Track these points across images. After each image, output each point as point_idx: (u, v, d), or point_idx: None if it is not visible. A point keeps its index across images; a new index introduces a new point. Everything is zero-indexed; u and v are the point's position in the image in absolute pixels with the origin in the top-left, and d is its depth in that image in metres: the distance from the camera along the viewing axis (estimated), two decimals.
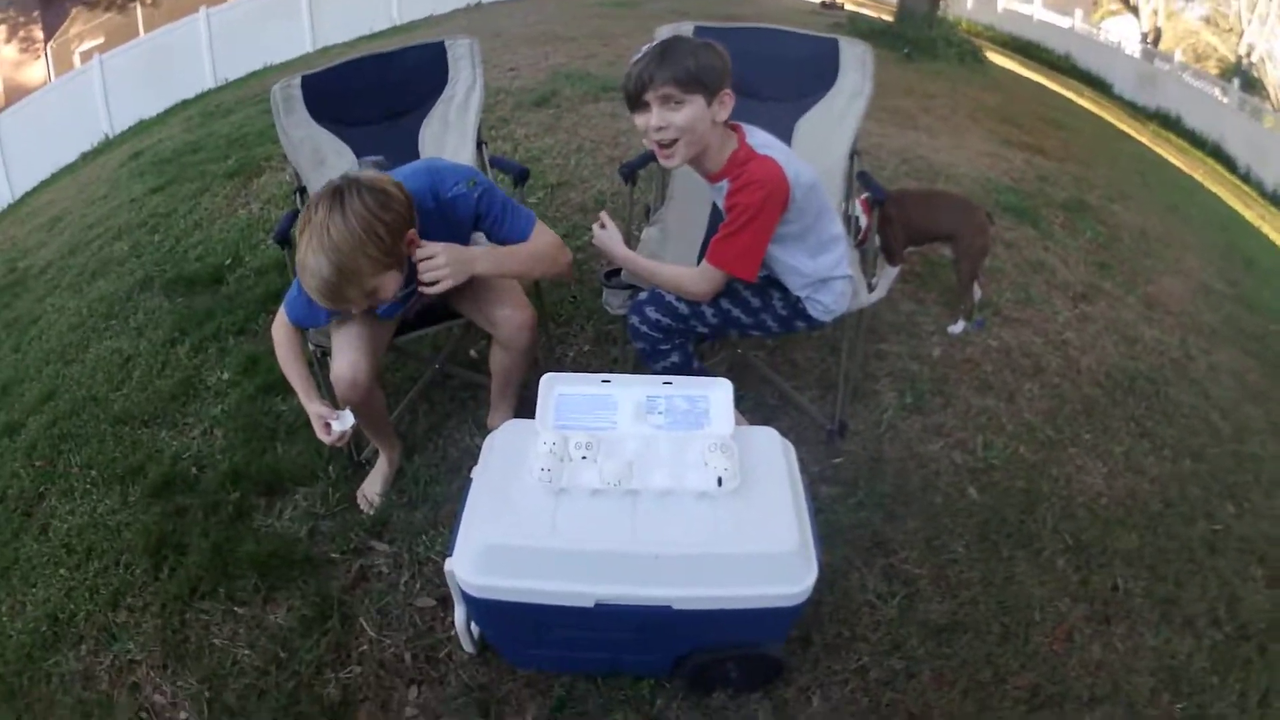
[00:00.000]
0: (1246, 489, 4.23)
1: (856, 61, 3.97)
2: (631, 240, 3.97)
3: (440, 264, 2.92)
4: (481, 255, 3.08)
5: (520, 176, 4.04)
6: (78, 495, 3.97)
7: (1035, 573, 3.44)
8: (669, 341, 3.29)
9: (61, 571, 3.57)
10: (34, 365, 5.34)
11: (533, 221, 3.25)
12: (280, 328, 3.22)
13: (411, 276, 3.05)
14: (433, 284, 2.94)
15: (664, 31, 4.02)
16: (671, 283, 3.22)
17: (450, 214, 3.06)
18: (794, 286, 3.29)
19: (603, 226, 3.32)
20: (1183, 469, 4.24)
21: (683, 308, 3.23)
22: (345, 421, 3.02)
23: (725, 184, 3.06)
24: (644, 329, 3.26)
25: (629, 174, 4.00)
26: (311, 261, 2.65)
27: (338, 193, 2.69)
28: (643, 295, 3.32)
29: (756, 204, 2.96)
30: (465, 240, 3.18)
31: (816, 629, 3.09)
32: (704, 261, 3.11)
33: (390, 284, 2.85)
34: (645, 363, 3.38)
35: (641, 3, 17.87)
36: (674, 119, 2.91)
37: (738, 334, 3.43)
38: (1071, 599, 3.36)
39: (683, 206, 4.16)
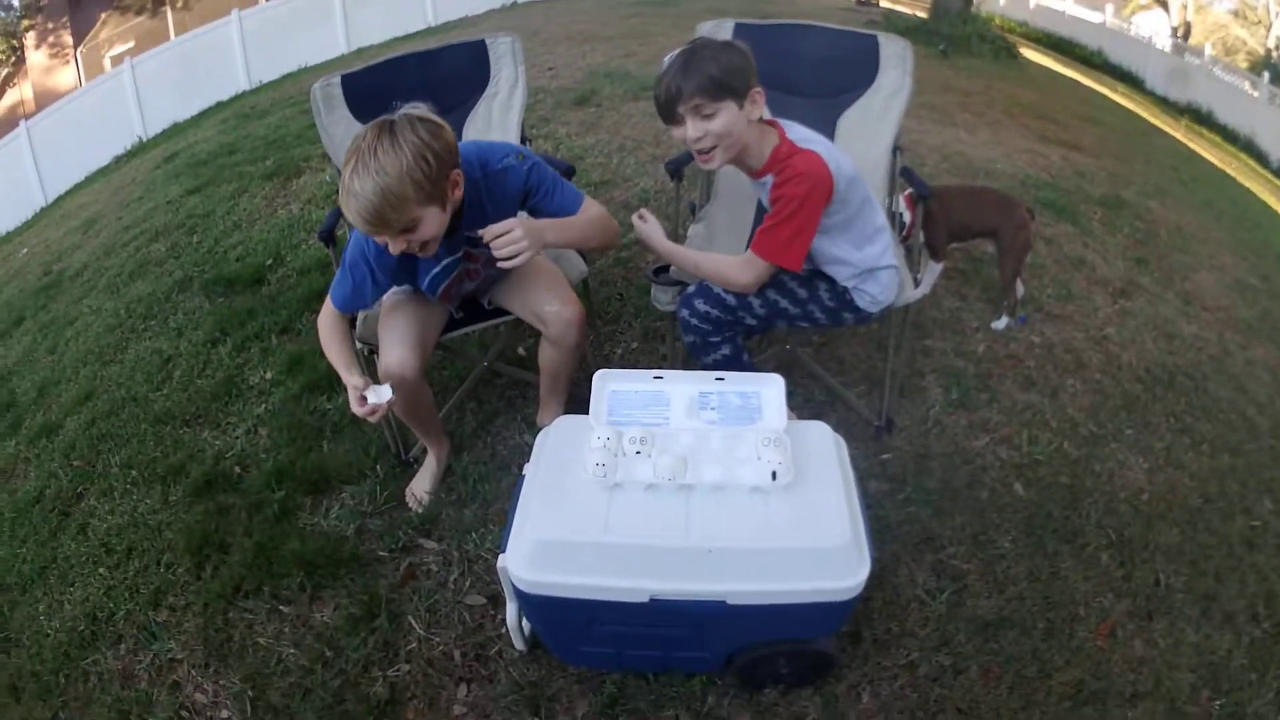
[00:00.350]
0: None
1: (896, 58, 3.95)
2: (678, 238, 3.98)
3: (518, 236, 2.91)
4: (548, 225, 3.09)
5: (566, 174, 3.98)
6: (117, 495, 4.01)
7: (1079, 568, 3.44)
8: (719, 334, 3.29)
9: (100, 570, 3.62)
10: (71, 366, 5.38)
11: (581, 195, 3.28)
12: (326, 314, 3.23)
13: (454, 241, 3.10)
14: (511, 257, 2.93)
15: (704, 29, 4.05)
16: (714, 272, 3.23)
17: (498, 187, 3.08)
18: (841, 277, 3.30)
19: (643, 219, 3.33)
20: (1221, 464, 4.23)
21: (730, 299, 3.24)
22: (381, 395, 2.98)
23: (769, 179, 3.07)
24: (694, 321, 3.26)
25: (675, 170, 4.01)
26: (356, 184, 2.66)
27: (388, 122, 2.73)
28: (691, 288, 3.33)
29: (801, 196, 2.99)
30: (511, 215, 3.16)
31: (866, 624, 3.10)
32: (748, 251, 3.12)
33: (432, 222, 2.84)
34: (695, 356, 3.38)
35: (678, 1, 17.88)
36: (709, 127, 2.94)
37: (785, 325, 3.42)
38: (1115, 594, 3.37)
39: (728, 203, 4.15)
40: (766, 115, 3.15)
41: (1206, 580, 3.52)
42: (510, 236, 2.91)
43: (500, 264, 2.97)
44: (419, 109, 2.82)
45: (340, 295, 3.17)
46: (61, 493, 4.14)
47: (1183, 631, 3.27)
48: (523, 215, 3.19)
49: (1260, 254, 8.53)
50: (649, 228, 3.31)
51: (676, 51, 2.99)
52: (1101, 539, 3.59)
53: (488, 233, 2.92)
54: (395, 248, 2.86)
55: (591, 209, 3.25)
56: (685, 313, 3.28)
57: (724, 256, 3.27)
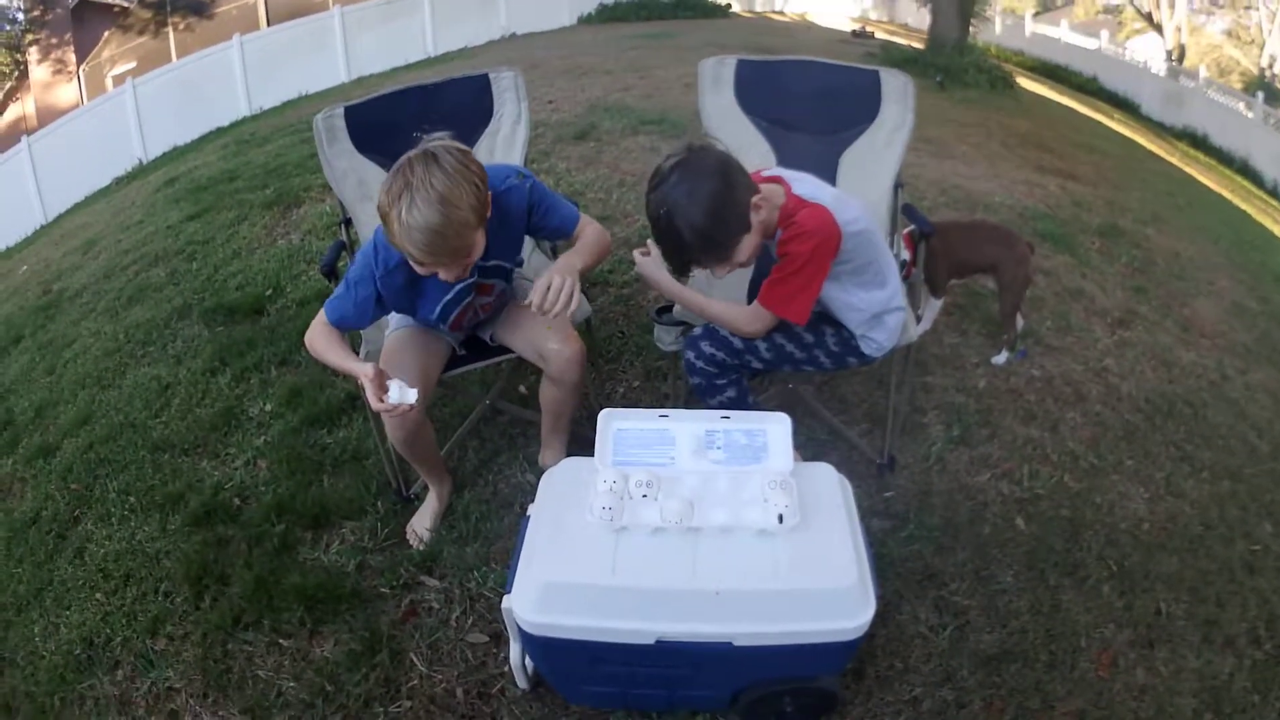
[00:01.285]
0: None
1: (898, 93, 3.97)
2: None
3: (559, 284, 2.95)
4: (576, 256, 3.16)
5: None
6: (115, 521, 4.01)
7: (1081, 600, 3.47)
8: (724, 376, 3.30)
9: (97, 596, 3.61)
10: (69, 388, 5.38)
11: (575, 207, 3.34)
12: (317, 326, 3.20)
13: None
14: (567, 305, 2.96)
15: (707, 65, 4.08)
16: (721, 318, 3.23)
17: (504, 208, 3.09)
18: (852, 323, 3.31)
19: (646, 253, 3.31)
20: (1221, 490, 4.26)
21: (737, 342, 3.25)
22: (406, 395, 2.93)
23: (778, 234, 3.06)
24: (699, 364, 3.27)
25: None
26: (420, 217, 2.66)
27: (428, 154, 2.73)
28: (697, 330, 3.33)
29: (806, 253, 2.98)
30: (519, 236, 3.25)
31: (870, 661, 3.11)
32: (755, 302, 3.13)
33: (480, 243, 2.89)
34: (701, 398, 3.38)
35: (676, 34, 17.98)
36: (732, 264, 2.95)
37: (790, 369, 3.43)
38: (1116, 625, 3.39)
39: None
40: (771, 172, 3.17)
41: (1207, 606, 3.55)
42: (555, 288, 2.95)
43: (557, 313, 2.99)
44: (444, 137, 2.85)
45: (338, 311, 3.16)
46: (58, 515, 4.14)
47: (1184, 658, 3.30)
48: (530, 249, 3.22)
49: (1258, 276, 8.58)
50: (652, 263, 3.28)
51: (662, 188, 2.88)
52: (1102, 570, 3.62)
53: (535, 298, 2.95)
54: (450, 275, 2.90)
55: (588, 225, 3.32)
56: (691, 355, 3.29)
57: (731, 305, 3.26)
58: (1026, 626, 3.31)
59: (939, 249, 4.54)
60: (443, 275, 2.89)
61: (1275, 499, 4.31)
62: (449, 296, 3.23)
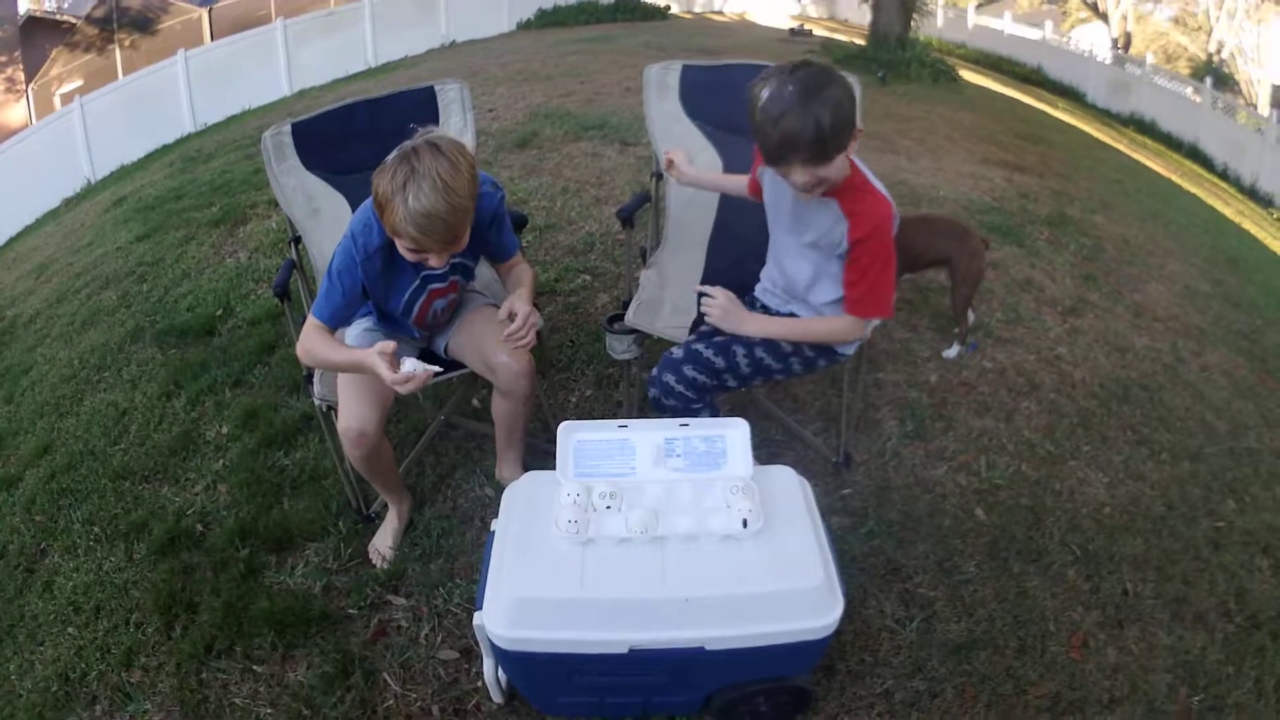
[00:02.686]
0: (1246, 483, 4.35)
1: None
2: (630, 283, 4.07)
3: (528, 315, 3.16)
4: (528, 293, 3.28)
5: (519, 222, 3.97)
6: (81, 552, 3.98)
7: (1046, 585, 3.52)
8: (701, 400, 3.27)
9: (70, 630, 3.57)
10: (28, 417, 5.35)
11: (518, 245, 3.47)
12: (310, 330, 3.17)
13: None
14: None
15: (653, 71, 4.10)
16: (827, 335, 3.25)
17: (476, 210, 3.09)
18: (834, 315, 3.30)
19: (712, 297, 3.25)
20: (1182, 471, 4.33)
21: (719, 362, 3.22)
22: (418, 365, 2.92)
23: (834, 203, 3.01)
24: (679, 388, 3.23)
25: (627, 218, 4.03)
26: (427, 203, 2.75)
27: (431, 144, 2.81)
28: (676, 353, 3.28)
29: (886, 253, 3.01)
30: (480, 240, 3.29)
31: (840, 657, 3.15)
32: (848, 316, 3.15)
33: (468, 232, 3.01)
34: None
35: (616, 37, 17.99)
36: (819, 174, 2.81)
37: (763, 381, 3.43)
38: (1084, 607, 3.44)
39: (679, 249, 4.21)
40: None
41: (1175, 584, 3.61)
42: (526, 321, 3.14)
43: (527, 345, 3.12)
44: (432, 131, 2.92)
45: (329, 309, 3.16)
46: (25, 549, 4.12)
47: (1155, 635, 3.36)
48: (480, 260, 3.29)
49: (1210, 259, 8.68)
50: (726, 303, 3.24)
51: (783, 83, 2.74)
52: (1066, 555, 3.67)
53: (512, 335, 3.14)
54: (440, 260, 2.98)
55: (523, 262, 3.47)
56: (671, 379, 3.24)
57: (832, 321, 3.22)
58: (993, 614, 3.36)
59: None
60: (433, 261, 2.95)
61: (1237, 476, 4.39)
62: (415, 285, 3.27)
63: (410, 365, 2.91)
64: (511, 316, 3.18)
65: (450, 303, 3.50)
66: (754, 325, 3.22)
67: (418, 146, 2.81)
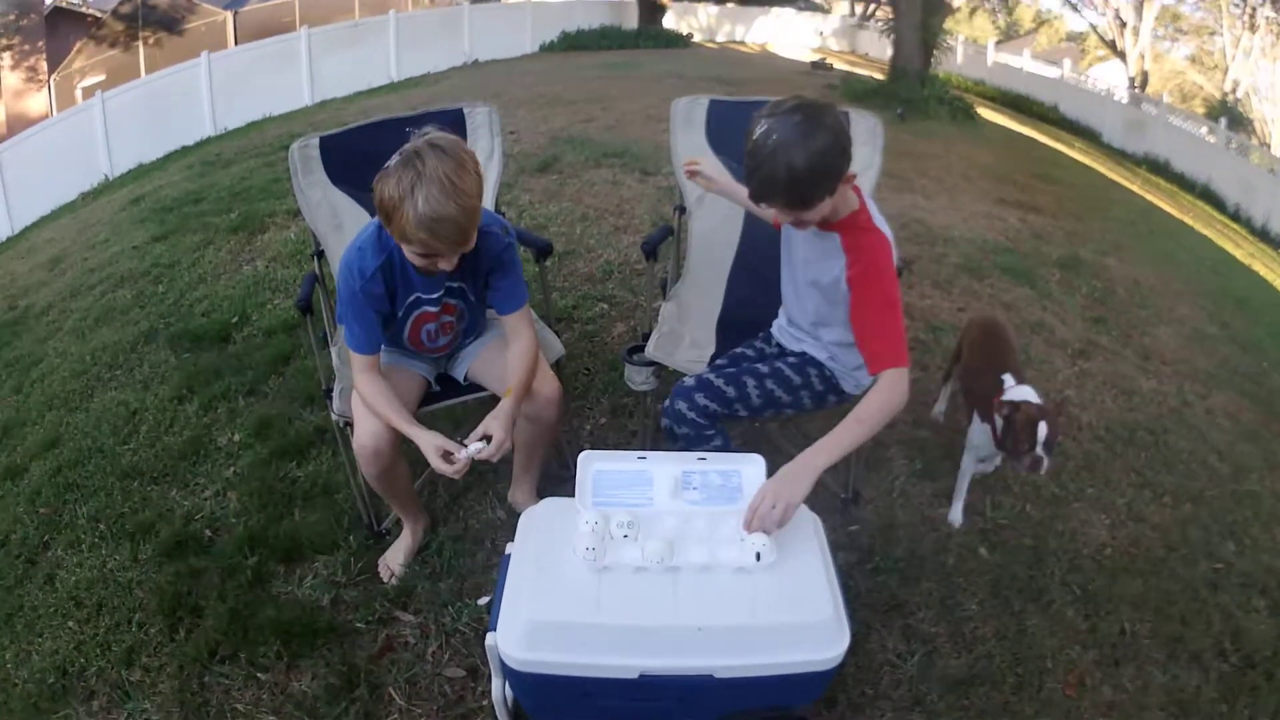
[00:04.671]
0: (1246, 526, 4.41)
1: (867, 135, 3.98)
2: (647, 313, 4.13)
3: (504, 439, 3.12)
4: (501, 417, 3.16)
5: (543, 251, 4.04)
6: (85, 548, 4.00)
7: (1046, 624, 3.57)
8: (713, 427, 3.28)
9: (70, 624, 3.58)
10: (36, 409, 5.38)
11: (525, 296, 3.39)
12: (361, 376, 3.20)
13: (435, 280, 3.21)
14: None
15: (680, 106, 4.17)
16: (884, 418, 2.91)
17: (479, 246, 3.12)
18: (849, 364, 3.34)
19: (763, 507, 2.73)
20: (1183, 513, 4.39)
21: (731, 392, 3.27)
22: (470, 450, 3.02)
23: (835, 237, 3.03)
24: (691, 415, 3.25)
25: (650, 250, 4.04)
26: (437, 206, 2.75)
27: (434, 145, 2.81)
28: (689, 381, 3.30)
29: (886, 295, 2.96)
30: (482, 274, 3.30)
31: (841, 689, 3.19)
32: (884, 373, 2.91)
33: (477, 230, 3.00)
34: (688, 448, 3.25)
35: (639, 64, 18.04)
36: (803, 218, 2.88)
37: (774, 414, 3.46)
38: (1082, 646, 3.50)
39: (699, 283, 4.24)
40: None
41: (1172, 624, 3.66)
42: (499, 452, 3.12)
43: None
44: (432, 130, 2.93)
45: (355, 340, 3.17)
46: (27, 540, 4.16)
47: (1150, 674, 3.41)
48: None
49: (1218, 301, 8.72)
50: (777, 506, 2.69)
51: (775, 125, 2.71)
52: (1066, 595, 3.73)
53: (495, 452, 3.10)
54: (450, 263, 2.99)
55: (525, 330, 3.36)
56: (683, 406, 3.25)
57: (882, 400, 2.90)
58: (993, 651, 3.41)
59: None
60: (443, 264, 2.97)
61: (1237, 519, 4.45)
62: (408, 302, 3.28)
63: (467, 452, 3.03)
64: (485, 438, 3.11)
65: (443, 327, 3.46)
66: (821, 460, 2.84)
67: (419, 148, 2.80)
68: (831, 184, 2.78)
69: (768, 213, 3.14)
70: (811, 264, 3.19)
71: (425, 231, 2.80)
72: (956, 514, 3.91)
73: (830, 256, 3.08)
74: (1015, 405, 3.57)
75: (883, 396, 2.90)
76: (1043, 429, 3.41)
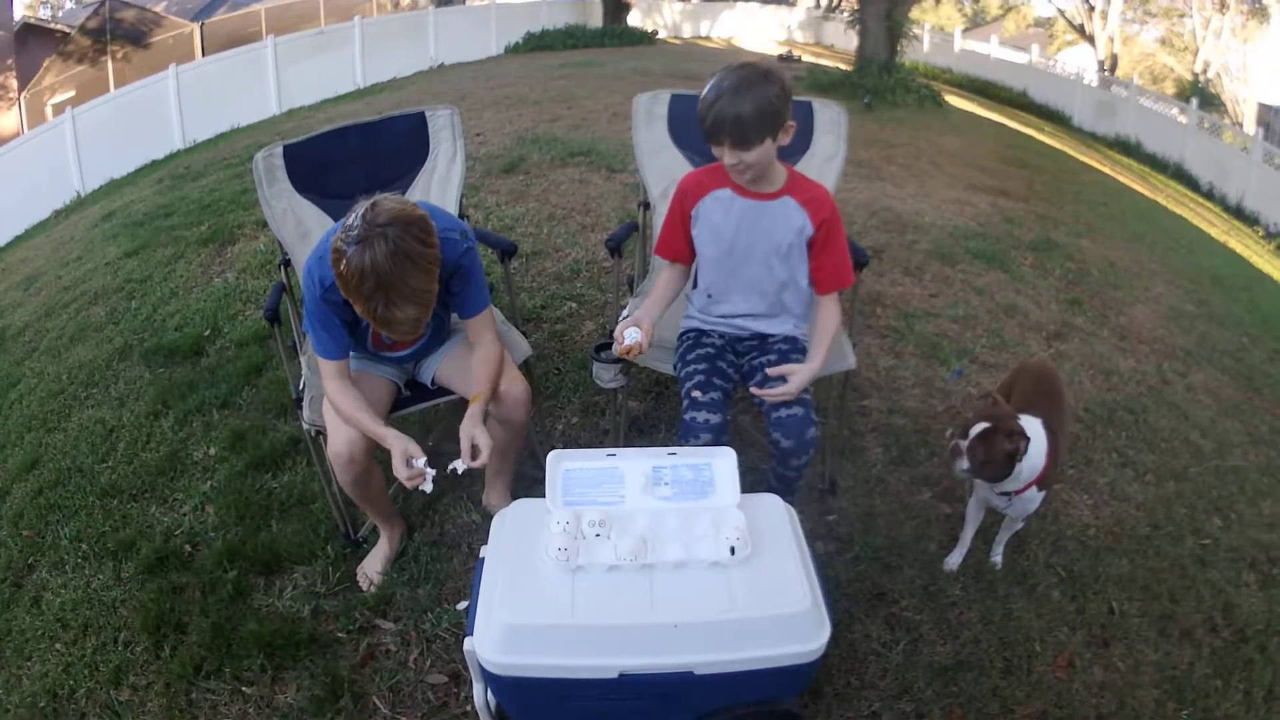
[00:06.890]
0: (1232, 501, 4.42)
1: (831, 124, 4.07)
2: (615, 310, 4.12)
3: (485, 443, 3.10)
4: (479, 408, 3.19)
5: (507, 251, 4.05)
6: (69, 569, 3.96)
7: (1032, 607, 3.55)
8: (725, 415, 3.28)
9: (58, 646, 3.55)
10: (15, 431, 5.34)
11: (487, 302, 3.37)
12: (330, 381, 3.20)
13: None
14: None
15: (641, 102, 4.17)
16: (835, 328, 3.42)
17: None
18: (801, 307, 3.52)
19: (784, 379, 3.24)
20: (1167, 491, 4.39)
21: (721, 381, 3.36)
22: (428, 480, 3.00)
23: (788, 199, 3.30)
24: (715, 419, 3.24)
25: (615, 247, 4.07)
26: (397, 313, 2.78)
27: (400, 252, 2.71)
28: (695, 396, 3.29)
29: (840, 228, 3.35)
30: (440, 285, 3.13)
31: (826, 680, 3.17)
32: (824, 297, 3.42)
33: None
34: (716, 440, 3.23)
35: (603, 62, 18.04)
36: (745, 158, 3.12)
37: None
38: (1070, 627, 3.49)
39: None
40: None
41: (1161, 602, 3.66)
42: (484, 450, 3.11)
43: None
44: (390, 199, 2.85)
45: (328, 344, 3.16)
46: (13, 563, 4.12)
47: (1141, 652, 3.40)
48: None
49: (1195, 280, 8.75)
50: (800, 377, 3.23)
51: (725, 76, 3.10)
52: (1051, 577, 3.72)
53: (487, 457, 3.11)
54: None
55: (488, 334, 3.37)
56: (700, 415, 3.25)
57: (828, 324, 3.38)
58: (979, 636, 3.39)
59: None
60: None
61: (1222, 494, 4.45)
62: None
63: (421, 464, 3.00)
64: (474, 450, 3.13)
65: (412, 345, 3.50)
66: (815, 365, 3.28)
67: (378, 258, 2.69)
68: (773, 126, 3.09)
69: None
70: (776, 228, 3.34)
71: (390, 331, 2.93)
72: (955, 559, 3.85)
73: (788, 218, 3.32)
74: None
75: (834, 314, 3.41)
76: (977, 428, 3.33)
